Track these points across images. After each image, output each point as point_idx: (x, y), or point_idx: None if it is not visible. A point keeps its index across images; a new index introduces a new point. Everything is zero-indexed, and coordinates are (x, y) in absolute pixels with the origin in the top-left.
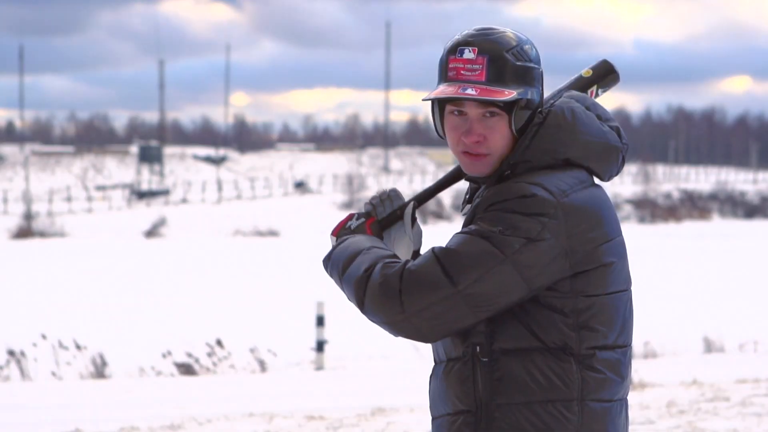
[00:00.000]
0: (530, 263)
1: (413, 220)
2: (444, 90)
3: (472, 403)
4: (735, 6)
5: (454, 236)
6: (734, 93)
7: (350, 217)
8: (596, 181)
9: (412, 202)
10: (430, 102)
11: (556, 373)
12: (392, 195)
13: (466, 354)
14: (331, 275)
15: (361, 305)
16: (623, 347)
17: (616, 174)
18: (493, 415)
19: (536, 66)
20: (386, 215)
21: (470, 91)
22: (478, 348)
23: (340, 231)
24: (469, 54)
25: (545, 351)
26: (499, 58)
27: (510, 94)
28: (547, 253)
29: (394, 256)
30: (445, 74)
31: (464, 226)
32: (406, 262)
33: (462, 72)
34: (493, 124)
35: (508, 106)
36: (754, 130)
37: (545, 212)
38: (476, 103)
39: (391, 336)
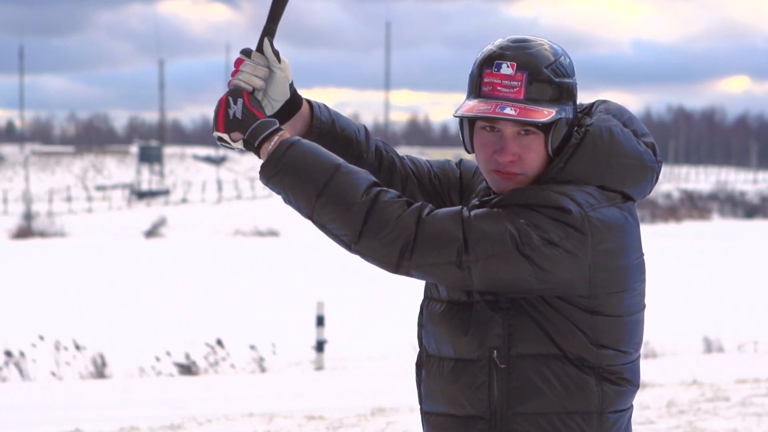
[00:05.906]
0: (545, 264)
1: (276, 54)
2: (479, 107)
3: (485, 410)
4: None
5: (478, 210)
6: (733, 93)
7: (224, 105)
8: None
9: (265, 39)
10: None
11: (575, 381)
12: (243, 53)
13: (482, 358)
14: (283, 186)
15: (356, 238)
16: (638, 359)
17: (649, 193)
18: (510, 425)
19: (572, 80)
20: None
21: (509, 111)
22: (495, 353)
23: (227, 124)
24: (507, 69)
25: (563, 359)
26: (538, 74)
27: (549, 114)
28: (567, 260)
29: (373, 177)
30: (478, 89)
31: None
32: (423, 205)
33: (499, 88)
34: (529, 143)
35: (546, 126)
36: (754, 130)
37: (572, 224)
38: (512, 122)
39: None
